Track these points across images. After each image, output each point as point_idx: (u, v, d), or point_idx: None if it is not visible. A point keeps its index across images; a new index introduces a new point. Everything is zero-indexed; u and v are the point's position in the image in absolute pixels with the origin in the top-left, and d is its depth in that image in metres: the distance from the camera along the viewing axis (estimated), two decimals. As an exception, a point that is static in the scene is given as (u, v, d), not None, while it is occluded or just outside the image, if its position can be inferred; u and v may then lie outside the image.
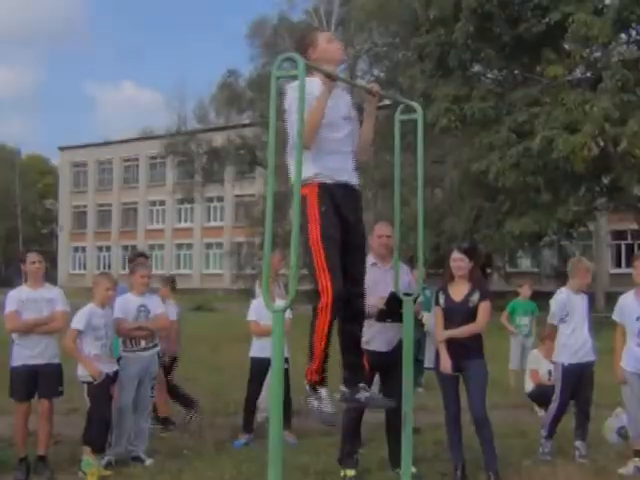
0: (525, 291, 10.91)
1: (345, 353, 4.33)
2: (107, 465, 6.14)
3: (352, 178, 4.33)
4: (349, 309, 4.22)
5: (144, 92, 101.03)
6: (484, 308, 5.92)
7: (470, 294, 5.94)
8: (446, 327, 5.94)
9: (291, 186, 3.92)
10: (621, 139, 17.88)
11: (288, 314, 7.23)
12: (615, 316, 6.42)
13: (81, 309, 6.15)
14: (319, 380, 4.13)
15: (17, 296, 6.11)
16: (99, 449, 6.05)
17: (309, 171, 4.10)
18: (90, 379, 6.00)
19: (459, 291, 5.98)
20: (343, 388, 4.31)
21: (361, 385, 4.30)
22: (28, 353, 6.01)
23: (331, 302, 4.02)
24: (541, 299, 9.50)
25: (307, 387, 4.17)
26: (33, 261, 6.18)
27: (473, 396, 5.89)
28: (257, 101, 36.09)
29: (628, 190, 21.60)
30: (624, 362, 6.20)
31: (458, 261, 5.94)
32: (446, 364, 5.85)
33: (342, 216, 4.18)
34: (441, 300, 6.03)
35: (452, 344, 5.87)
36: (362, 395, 4.28)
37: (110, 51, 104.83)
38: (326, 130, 4.19)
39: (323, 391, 4.13)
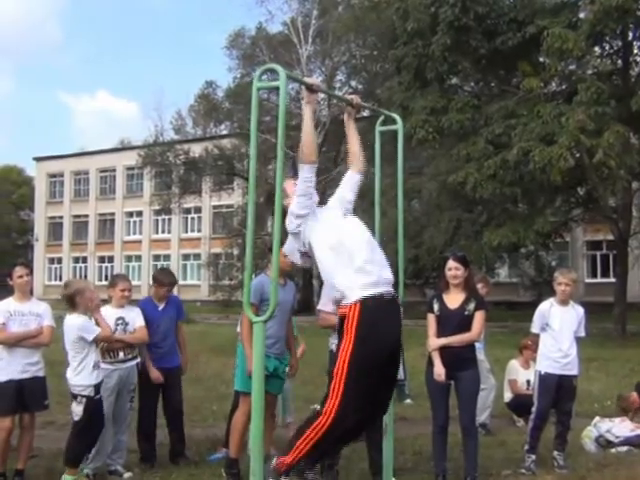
0: None
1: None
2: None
3: (390, 288, 4.14)
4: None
5: (121, 103, 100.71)
6: (480, 317, 5.87)
7: (466, 302, 5.88)
8: (439, 334, 5.89)
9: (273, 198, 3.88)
10: (596, 150, 18.08)
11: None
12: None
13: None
14: (285, 471, 4.02)
15: (4, 308, 6.03)
16: (78, 464, 5.94)
17: (351, 292, 3.99)
18: (92, 393, 5.81)
19: (455, 299, 5.91)
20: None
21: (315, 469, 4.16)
22: (15, 368, 5.91)
23: (326, 427, 3.88)
24: (519, 308, 9.58)
25: (270, 476, 4.02)
26: (20, 275, 6.13)
27: (464, 406, 5.87)
28: (235, 112, 36.15)
29: (603, 201, 21.85)
30: None
31: (454, 270, 5.89)
32: (440, 372, 5.77)
33: (384, 341, 4.00)
34: (435, 307, 5.94)
35: (446, 353, 5.79)
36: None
37: (85, 61, 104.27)
38: (351, 251, 4.11)
39: None
